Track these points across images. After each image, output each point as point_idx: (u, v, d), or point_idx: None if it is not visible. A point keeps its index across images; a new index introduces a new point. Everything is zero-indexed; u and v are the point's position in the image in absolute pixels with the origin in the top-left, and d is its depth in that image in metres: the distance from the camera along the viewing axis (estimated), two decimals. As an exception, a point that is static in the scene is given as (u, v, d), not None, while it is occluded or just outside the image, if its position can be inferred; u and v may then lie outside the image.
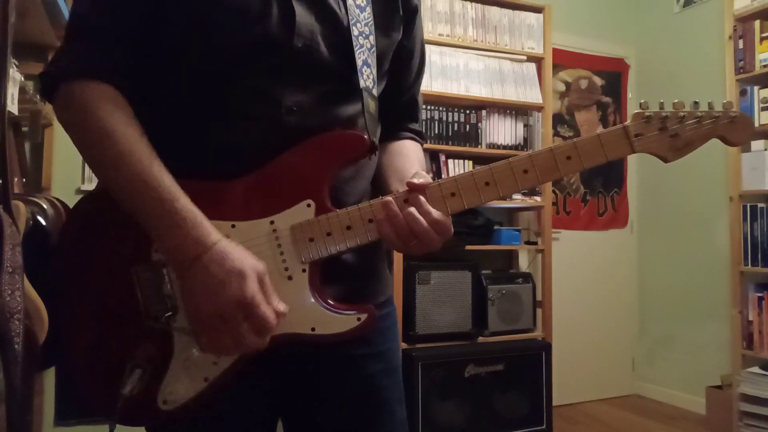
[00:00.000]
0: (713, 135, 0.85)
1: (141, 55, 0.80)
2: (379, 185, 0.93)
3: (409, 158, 0.96)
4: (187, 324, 0.77)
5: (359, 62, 0.84)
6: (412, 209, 0.78)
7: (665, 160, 0.85)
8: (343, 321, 0.79)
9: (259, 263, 0.74)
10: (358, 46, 0.85)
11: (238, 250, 0.74)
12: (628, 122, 0.83)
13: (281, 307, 0.75)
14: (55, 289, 0.82)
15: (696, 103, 0.85)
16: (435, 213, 0.79)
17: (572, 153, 0.81)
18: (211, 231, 0.74)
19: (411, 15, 0.97)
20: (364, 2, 0.88)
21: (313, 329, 0.79)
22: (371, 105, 0.87)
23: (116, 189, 0.77)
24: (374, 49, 0.88)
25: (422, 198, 0.80)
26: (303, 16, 0.81)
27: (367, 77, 0.86)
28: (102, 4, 0.79)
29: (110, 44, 0.78)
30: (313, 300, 0.79)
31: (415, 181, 0.80)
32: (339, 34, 0.84)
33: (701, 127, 0.84)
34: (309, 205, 0.79)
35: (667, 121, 0.83)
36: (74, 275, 0.81)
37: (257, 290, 0.72)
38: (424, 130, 1.10)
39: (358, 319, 0.79)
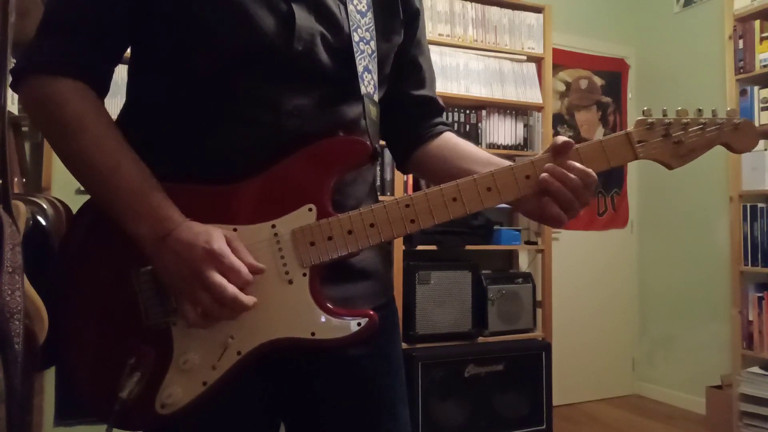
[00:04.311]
0: (717, 142, 0.84)
1: (117, 53, 0.82)
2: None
3: (468, 144, 0.98)
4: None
5: (360, 68, 0.83)
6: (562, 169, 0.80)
7: (669, 167, 0.84)
8: (344, 326, 0.79)
9: (227, 230, 0.76)
10: (359, 52, 0.84)
11: (203, 224, 0.75)
12: (630, 129, 0.83)
13: (256, 262, 0.75)
14: (56, 291, 0.82)
15: (700, 110, 0.84)
16: (578, 165, 0.80)
17: (575, 159, 0.81)
18: (179, 214, 0.75)
19: (412, 17, 0.97)
20: (365, 7, 0.87)
21: (312, 334, 0.78)
22: (372, 111, 0.86)
23: (85, 180, 0.78)
24: (375, 54, 0.87)
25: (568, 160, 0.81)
26: (303, 19, 0.80)
27: (368, 83, 0.85)
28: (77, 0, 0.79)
29: (82, 40, 0.78)
30: (313, 304, 0.78)
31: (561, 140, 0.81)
32: (340, 39, 0.84)
33: (705, 134, 0.84)
34: (310, 210, 0.79)
35: (670, 128, 0.83)
36: (76, 278, 0.81)
37: (225, 244, 0.73)
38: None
39: (359, 324, 0.79)
